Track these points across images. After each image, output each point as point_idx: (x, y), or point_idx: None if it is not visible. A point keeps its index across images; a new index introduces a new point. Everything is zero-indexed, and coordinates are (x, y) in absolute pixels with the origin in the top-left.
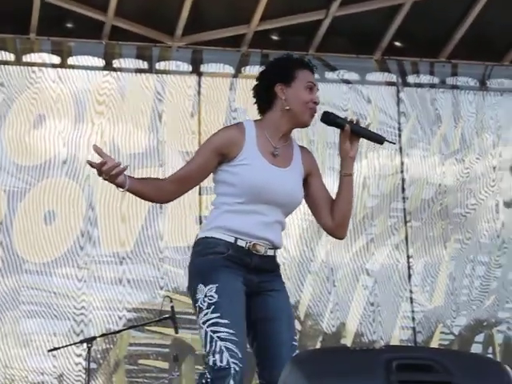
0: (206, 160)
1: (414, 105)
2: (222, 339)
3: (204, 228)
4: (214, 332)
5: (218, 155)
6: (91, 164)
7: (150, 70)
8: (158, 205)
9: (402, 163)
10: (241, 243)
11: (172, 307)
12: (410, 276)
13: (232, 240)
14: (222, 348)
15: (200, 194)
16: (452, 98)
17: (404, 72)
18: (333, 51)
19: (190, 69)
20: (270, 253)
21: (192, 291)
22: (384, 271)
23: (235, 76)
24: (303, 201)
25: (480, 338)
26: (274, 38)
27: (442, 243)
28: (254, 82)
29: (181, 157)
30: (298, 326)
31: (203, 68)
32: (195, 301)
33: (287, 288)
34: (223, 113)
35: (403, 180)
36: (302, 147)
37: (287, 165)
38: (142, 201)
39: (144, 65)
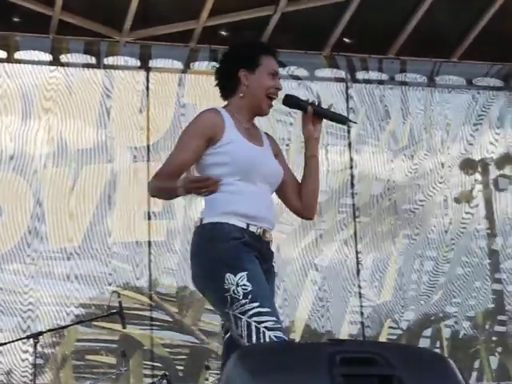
0: (199, 145)
1: (362, 101)
2: (269, 329)
3: (210, 213)
4: (259, 322)
5: (207, 139)
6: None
7: (98, 65)
8: (107, 200)
9: (351, 159)
10: (252, 229)
11: (120, 302)
12: (358, 271)
13: (244, 226)
14: (272, 338)
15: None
16: (401, 94)
17: (353, 68)
18: (282, 47)
19: (139, 64)
20: (271, 238)
21: (216, 281)
22: (333, 266)
23: (184, 71)
24: None
25: (428, 332)
26: (223, 33)
27: (391, 239)
28: (204, 77)
29: (129, 152)
30: None
31: (152, 63)
32: (224, 290)
33: None
34: (172, 108)
35: (352, 176)
36: (266, 133)
37: (262, 145)
38: (90, 197)
39: (92, 60)
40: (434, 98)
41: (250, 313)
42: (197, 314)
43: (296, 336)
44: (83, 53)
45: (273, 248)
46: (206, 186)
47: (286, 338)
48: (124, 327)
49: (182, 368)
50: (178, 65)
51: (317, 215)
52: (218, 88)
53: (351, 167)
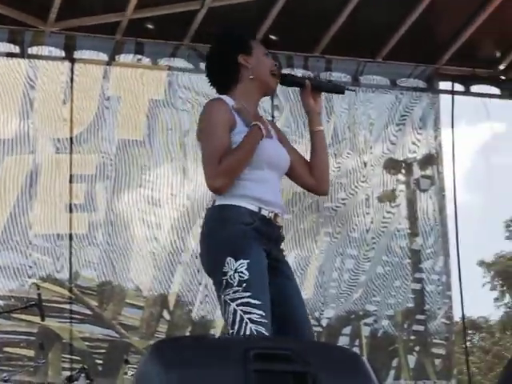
0: (225, 130)
1: (287, 98)
2: (252, 321)
3: (222, 196)
4: (245, 313)
5: (228, 126)
6: None
7: (22, 54)
8: (28, 192)
9: None
10: (264, 213)
11: (39, 295)
12: None
13: (256, 209)
14: (253, 331)
15: (71, 182)
16: (325, 92)
17: (279, 66)
18: (208, 42)
19: (63, 55)
20: (282, 223)
21: (217, 263)
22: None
23: (109, 64)
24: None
25: (347, 330)
26: (149, 26)
27: (313, 236)
28: (129, 70)
29: (52, 144)
30: (167, 315)
31: (77, 54)
32: (222, 274)
33: (158, 278)
34: (96, 101)
35: None
36: (272, 122)
37: (269, 132)
38: (11, 188)
39: (15, 49)
40: (358, 97)
41: (240, 301)
42: (117, 307)
43: (216, 332)
44: (7, 42)
45: (195, 244)
46: None
47: (266, 334)
48: (43, 320)
49: (101, 362)
50: (104, 57)
51: None
52: (213, 82)
53: None
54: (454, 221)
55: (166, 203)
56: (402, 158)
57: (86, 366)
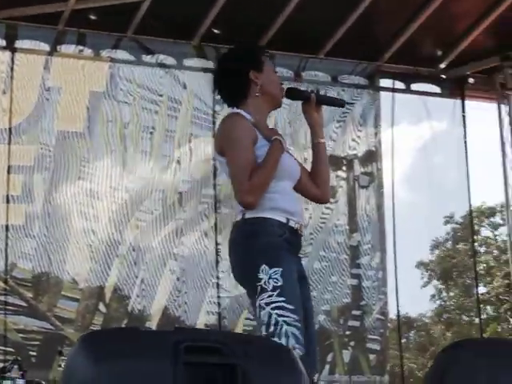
0: (251, 142)
1: None
2: (288, 324)
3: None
4: (280, 316)
5: (252, 140)
6: None
7: None
8: None
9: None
10: (292, 224)
11: None
12: (217, 262)
13: (285, 220)
14: (288, 333)
15: (9, 172)
16: (326, 105)
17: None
18: (151, 34)
19: (4, 44)
20: (303, 232)
21: (252, 270)
22: (192, 257)
23: (50, 54)
24: None
25: None
26: (92, 17)
27: None
28: (70, 61)
29: None
30: (103, 308)
31: (18, 44)
32: (257, 280)
33: (94, 270)
34: (36, 91)
35: (215, 167)
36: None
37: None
38: None
39: None
40: None
41: (274, 305)
42: (52, 299)
43: (152, 325)
44: None
45: (133, 237)
46: None
47: (302, 339)
48: None
49: (35, 354)
50: (45, 47)
51: (178, 205)
52: (224, 95)
53: (214, 158)
54: (392, 218)
55: (104, 196)
56: (342, 155)
57: (19, 358)
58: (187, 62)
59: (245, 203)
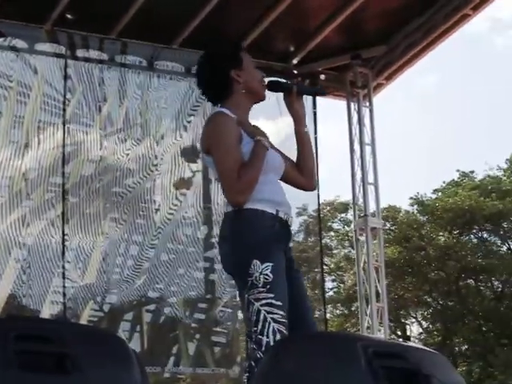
0: (237, 141)
1: (80, 79)
2: (275, 321)
3: None
4: (269, 312)
5: (238, 139)
6: None
7: None
8: None
9: (64, 138)
10: (281, 215)
11: None
12: (63, 252)
13: (274, 212)
14: (275, 330)
15: None
16: (119, 76)
17: (73, 45)
18: (2, 17)
19: None
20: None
21: (243, 264)
22: (38, 245)
23: None
24: None
25: (129, 316)
26: None
27: (99, 221)
28: None
29: None
30: None
31: None
32: (248, 275)
33: None
34: None
35: (64, 155)
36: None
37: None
38: None
39: None
40: (152, 83)
41: (264, 302)
42: None
43: None
44: None
45: None
46: None
47: (286, 333)
48: None
49: None
50: None
51: (24, 192)
52: (205, 93)
53: (63, 146)
54: None
55: None
56: (193, 146)
57: None
58: (39, 47)
59: (235, 203)
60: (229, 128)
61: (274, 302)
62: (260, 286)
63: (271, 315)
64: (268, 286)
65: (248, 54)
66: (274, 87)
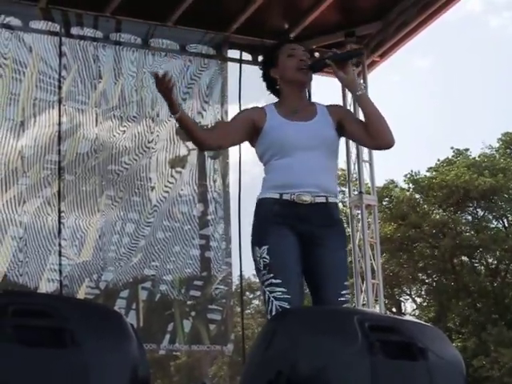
0: (238, 123)
1: (75, 57)
2: (276, 299)
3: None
4: (271, 292)
5: (249, 121)
6: (156, 74)
7: None
8: None
9: (60, 115)
10: (285, 197)
11: None
12: (60, 230)
13: (277, 196)
14: (277, 307)
15: None
16: (114, 54)
17: (68, 23)
18: None
19: None
20: (320, 200)
21: (252, 251)
22: (34, 223)
23: None
24: None
25: (125, 293)
26: None
27: (95, 199)
28: None
29: None
30: None
31: None
32: (255, 262)
33: None
34: None
35: (60, 132)
36: (328, 105)
37: (310, 118)
38: None
39: None
40: (147, 60)
41: (266, 283)
42: None
43: None
44: None
45: None
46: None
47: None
48: None
49: None
50: None
51: (21, 170)
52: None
53: (59, 124)
54: (238, 189)
55: None
56: None
57: None
58: (34, 25)
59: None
60: (247, 110)
61: (273, 281)
62: (262, 269)
63: (273, 294)
64: (268, 268)
65: (293, 43)
66: (315, 68)
